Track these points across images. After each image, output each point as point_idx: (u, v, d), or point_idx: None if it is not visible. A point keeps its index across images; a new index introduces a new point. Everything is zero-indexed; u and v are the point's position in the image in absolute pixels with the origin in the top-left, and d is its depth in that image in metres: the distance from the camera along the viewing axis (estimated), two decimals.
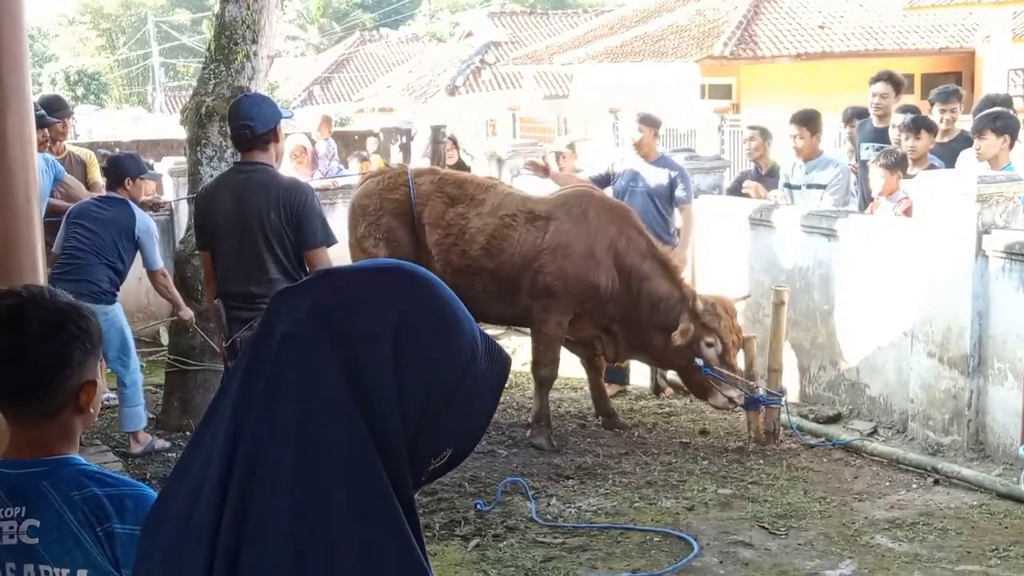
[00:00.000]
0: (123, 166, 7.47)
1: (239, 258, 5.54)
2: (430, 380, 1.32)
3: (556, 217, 7.46)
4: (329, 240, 5.58)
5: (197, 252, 7.63)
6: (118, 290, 7.23)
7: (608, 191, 8.49)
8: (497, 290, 7.53)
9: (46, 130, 7.74)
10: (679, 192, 8.56)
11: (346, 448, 1.27)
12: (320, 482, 1.26)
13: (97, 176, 8.72)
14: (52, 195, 7.64)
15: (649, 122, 8.73)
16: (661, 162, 8.67)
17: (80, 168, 8.65)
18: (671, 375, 8.51)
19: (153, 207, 8.13)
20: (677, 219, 8.73)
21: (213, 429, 1.34)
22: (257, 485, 1.28)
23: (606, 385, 8.27)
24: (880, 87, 8.82)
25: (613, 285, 7.41)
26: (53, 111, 8.26)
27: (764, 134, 9.62)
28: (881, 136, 8.68)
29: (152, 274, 7.34)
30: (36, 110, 7.52)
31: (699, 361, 7.25)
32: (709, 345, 7.26)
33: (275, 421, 1.29)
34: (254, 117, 5.50)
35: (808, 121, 8.65)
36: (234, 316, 5.60)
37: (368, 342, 1.30)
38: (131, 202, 7.33)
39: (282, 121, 5.66)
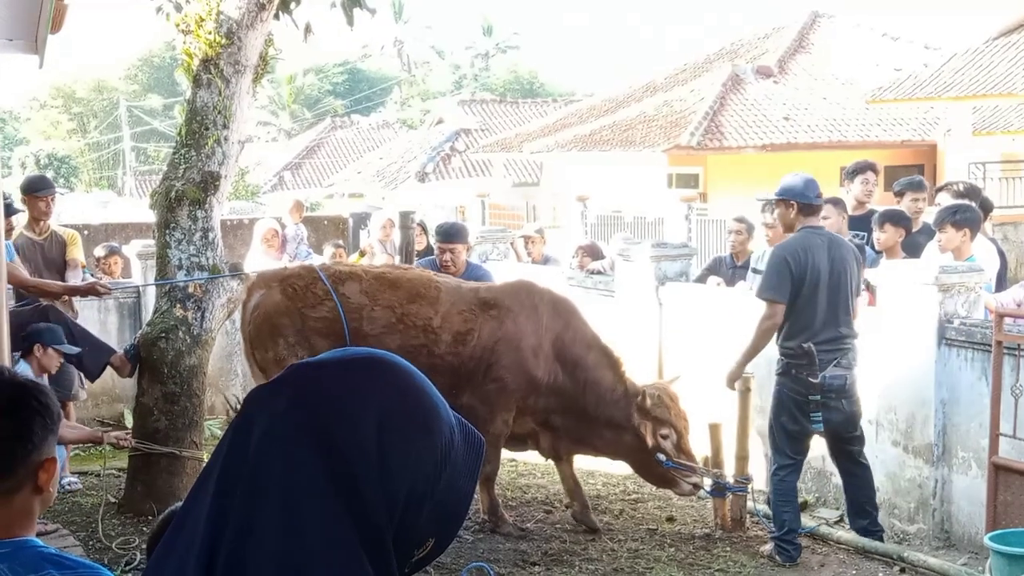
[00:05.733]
0: (37, 334, 7.36)
1: (831, 306, 6.62)
2: (413, 471, 1.31)
3: (511, 308, 7.37)
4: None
5: (164, 335, 7.64)
6: None
7: None
8: (452, 383, 7.13)
9: (11, 218, 7.81)
10: None
11: (331, 543, 1.26)
12: None
13: (77, 254, 8.87)
14: None
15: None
16: None
17: (60, 247, 8.78)
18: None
19: (95, 292, 8.20)
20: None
21: (190, 527, 1.32)
22: None
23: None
24: (871, 176, 9.14)
25: (556, 379, 7.36)
26: (37, 190, 8.62)
27: (750, 228, 9.76)
28: (862, 224, 8.79)
29: None
30: (5, 198, 7.54)
31: (661, 456, 7.19)
32: (664, 437, 7.20)
33: (258, 518, 1.27)
34: (806, 189, 6.80)
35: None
36: (824, 358, 6.56)
37: (350, 437, 1.29)
38: (27, 365, 7.18)
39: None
